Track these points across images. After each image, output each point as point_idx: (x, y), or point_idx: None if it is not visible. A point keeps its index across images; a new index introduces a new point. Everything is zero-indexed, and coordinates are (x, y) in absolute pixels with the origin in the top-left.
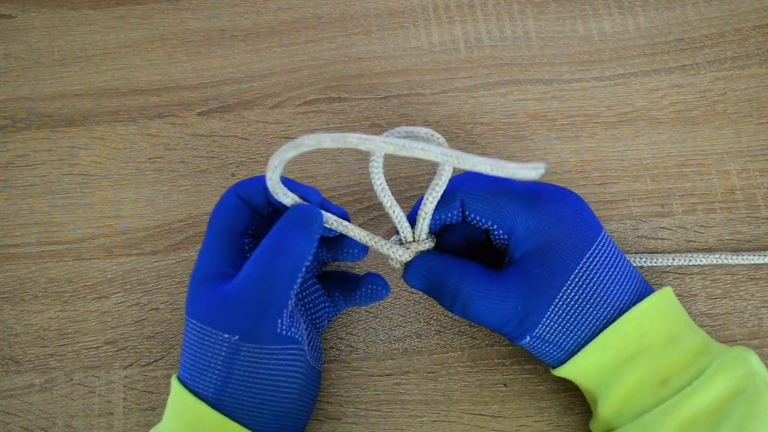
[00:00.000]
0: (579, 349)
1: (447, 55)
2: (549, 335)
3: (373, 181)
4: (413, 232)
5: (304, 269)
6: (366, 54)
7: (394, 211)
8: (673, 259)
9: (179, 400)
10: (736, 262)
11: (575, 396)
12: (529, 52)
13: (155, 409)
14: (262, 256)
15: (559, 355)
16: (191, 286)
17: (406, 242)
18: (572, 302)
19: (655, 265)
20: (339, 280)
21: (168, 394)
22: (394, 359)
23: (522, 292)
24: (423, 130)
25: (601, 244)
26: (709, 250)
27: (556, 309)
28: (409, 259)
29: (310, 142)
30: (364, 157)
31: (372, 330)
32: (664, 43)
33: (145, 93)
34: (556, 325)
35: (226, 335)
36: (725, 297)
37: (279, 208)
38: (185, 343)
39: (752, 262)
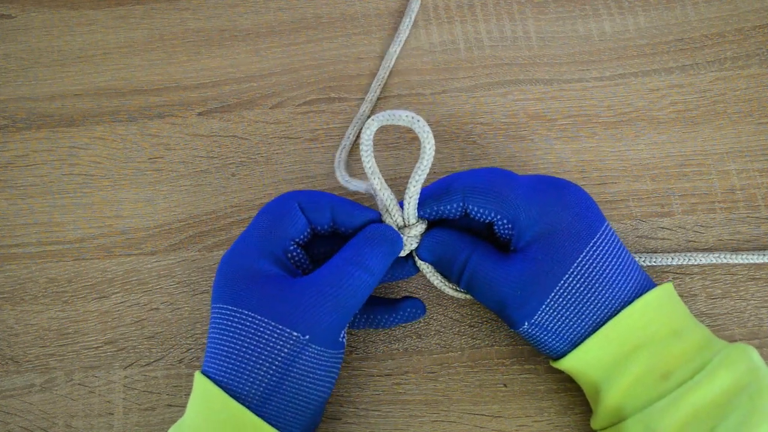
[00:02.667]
0: (579, 341)
1: (447, 55)
2: (548, 323)
3: (363, 163)
4: (402, 216)
5: (376, 283)
6: (366, 54)
7: (384, 194)
8: (673, 259)
9: (215, 401)
10: (736, 262)
11: (575, 396)
12: (529, 52)
13: (155, 409)
14: (344, 267)
15: (558, 345)
16: (236, 276)
17: (398, 227)
18: (574, 291)
19: (655, 265)
20: (378, 302)
21: (168, 394)
22: (394, 359)
23: (523, 277)
24: (404, 114)
25: (605, 234)
26: (709, 250)
27: (557, 297)
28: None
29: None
30: None
31: (372, 330)
32: (664, 43)
33: (145, 93)
34: (555, 314)
35: (296, 333)
36: (725, 297)
37: (342, 231)
38: (224, 335)
39: (752, 262)
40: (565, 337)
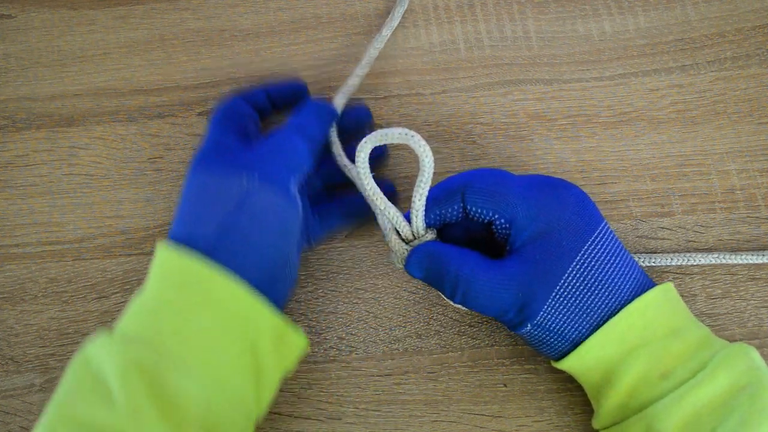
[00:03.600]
0: (581, 340)
1: (447, 55)
2: (551, 323)
3: (363, 186)
4: (411, 230)
5: (318, 151)
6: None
7: (389, 213)
8: (673, 259)
9: (167, 261)
10: (736, 262)
11: (575, 396)
12: (529, 52)
13: None
14: (288, 134)
15: (560, 345)
16: (202, 155)
17: (407, 240)
18: (574, 289)
19: (655, 265)
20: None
21: None
22: (394, 359)
23: (523, 278)
24: (397, 131)
25: (603, 233)
26: (709, 250)
27: (558, 296)
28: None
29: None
30: None
31: (372, 330)
32: (664, 43)
33: (145, 93)
34: (558, 313)
35: (245, 173)
36: (725, 297)
37: (279, 107)
38: (186, 199)
39: (752, 262)
40: (567, 336)
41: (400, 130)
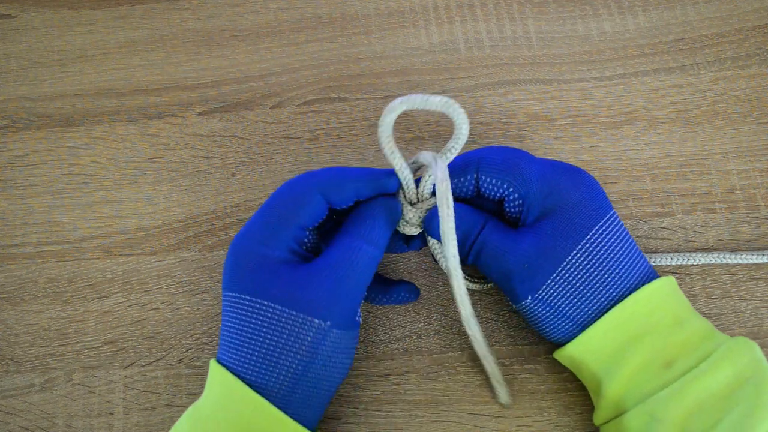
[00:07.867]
0: (583, 321)
1: (447, 55)
2: (553, 299)
3: (383, 144)
4: (417, 192)
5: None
6: (366, 54)
7: (403, 173)
8: (673, 259)
9: (236, 393)
10: (736, 261)
11: (575, 396)
12: (529, 52)
13: (155, 409)
14: (352, 244)
15: (561, 324)
16: (251, 263)
17: (411, 203)
18: (581, 268)
19: (655, 265)
20: (375, 279)
21: (168, 394)
22: (394, 359)
23: (532, 249)
24: (437, 98)
25: (612, 219)
26: (709, 250)
27: (564, 272)
28: (414, 215)
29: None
30: (363, 156)
31: (372, 330)
32: (664, 43)
33: (145, 93)
34: (561, 290)
35: (317, 321)
36: (725, 297)
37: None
38: (244, 326)
39: (752, 262)
40: (569, 315)
41: (439, 97)
